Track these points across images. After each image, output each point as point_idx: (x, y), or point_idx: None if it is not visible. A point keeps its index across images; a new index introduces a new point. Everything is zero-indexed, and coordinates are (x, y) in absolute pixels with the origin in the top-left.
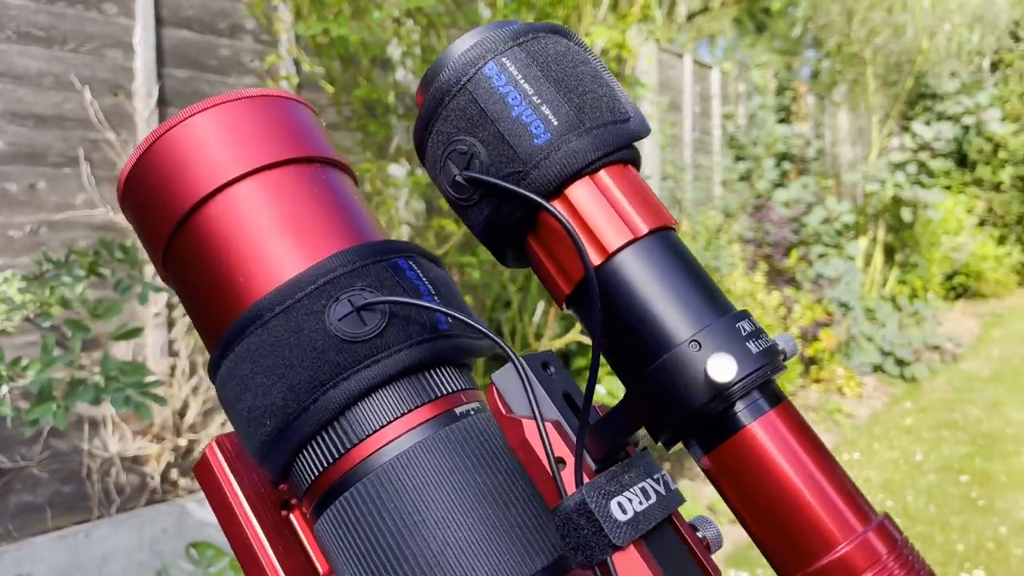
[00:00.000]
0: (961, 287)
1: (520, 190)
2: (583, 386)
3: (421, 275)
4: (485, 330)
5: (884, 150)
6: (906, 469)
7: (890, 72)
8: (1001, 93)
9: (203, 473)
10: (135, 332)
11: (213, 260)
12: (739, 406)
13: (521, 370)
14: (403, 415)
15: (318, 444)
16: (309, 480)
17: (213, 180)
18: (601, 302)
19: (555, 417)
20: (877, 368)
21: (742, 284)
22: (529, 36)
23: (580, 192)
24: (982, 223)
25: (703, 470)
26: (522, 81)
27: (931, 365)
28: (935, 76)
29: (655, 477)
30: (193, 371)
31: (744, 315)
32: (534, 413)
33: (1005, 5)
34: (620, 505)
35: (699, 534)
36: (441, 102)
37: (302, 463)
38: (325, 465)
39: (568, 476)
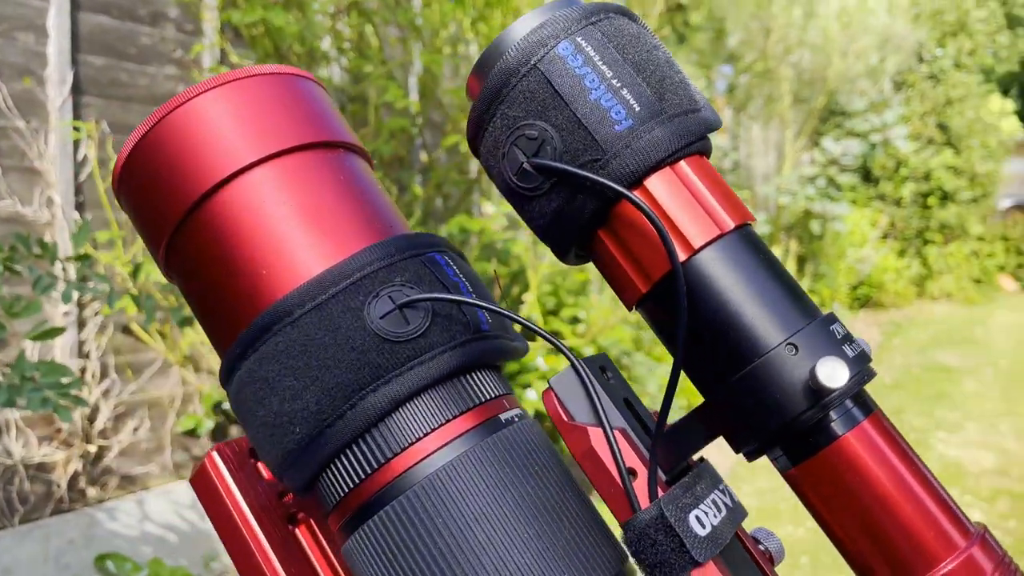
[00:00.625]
0: (864, 297)
1: (605, 180)
2: None
3: (458, 271)
4: (544, 333)
5: (797, 164)
6: None
7: (803, 89)
8: (905, 112)
9: (202, 484)
10: (55, 332)
11: (228, 253)
12: (833, 415)
13: (585, 376)
14: (446, 423)
15: (352, 454)
16: (340, 494)
17: (228, 165)
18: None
19: (621, 425)
20: None
21: None
22: (601, 16)
23: (661, 184)
24: (885, 236)
25: (788, 480)
26: (600, 63)
27: None
28: (845, 94)
29: (721, 488)
30: (104, 373)
31: (833, 318)
32: (602, 422)
33: (908, 28)
34: (698, 519)
35: (761, 547)
36: (507, 83)
37: (332, 475)
38: (360, 478)
39: (639, 488)
